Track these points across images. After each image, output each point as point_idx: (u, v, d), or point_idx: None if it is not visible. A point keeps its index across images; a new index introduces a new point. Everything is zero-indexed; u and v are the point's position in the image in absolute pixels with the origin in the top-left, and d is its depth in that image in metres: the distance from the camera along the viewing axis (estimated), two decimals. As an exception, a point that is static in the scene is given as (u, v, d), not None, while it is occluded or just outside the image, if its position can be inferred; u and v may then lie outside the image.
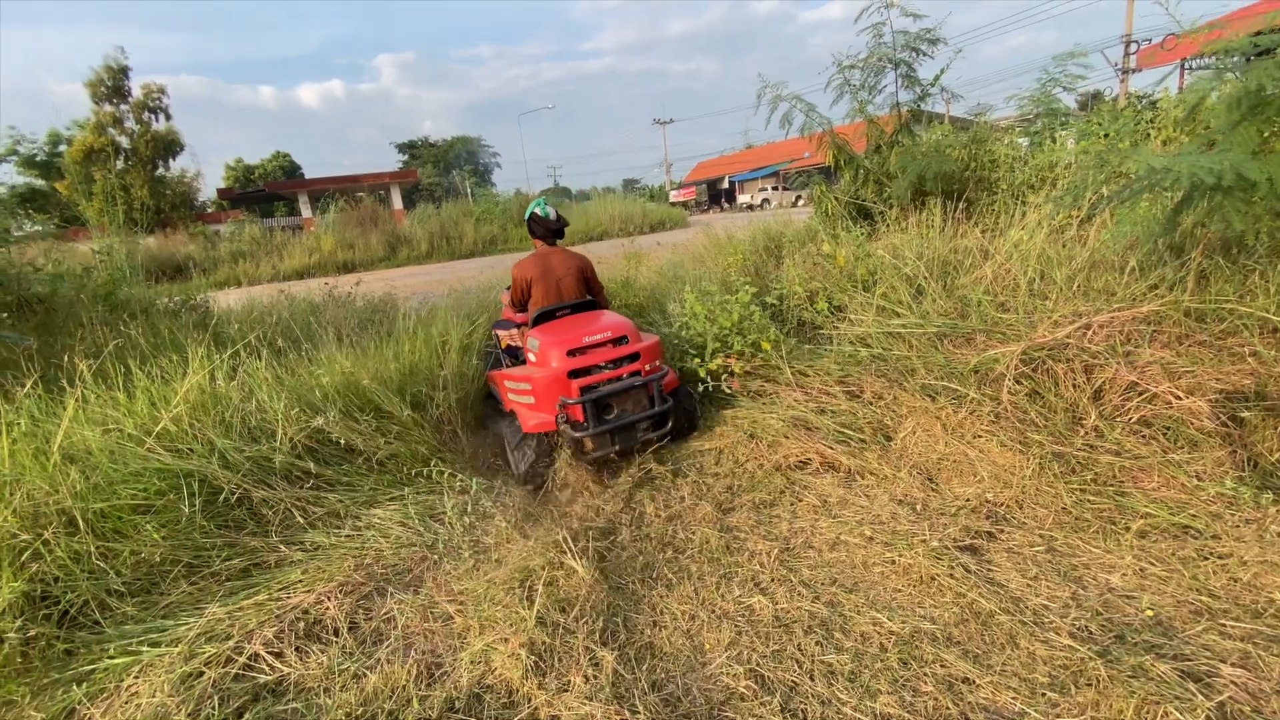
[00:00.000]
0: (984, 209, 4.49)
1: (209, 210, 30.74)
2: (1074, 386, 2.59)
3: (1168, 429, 2.47)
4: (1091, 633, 1.81)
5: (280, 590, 2.26)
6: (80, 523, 2.19)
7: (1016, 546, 2.25)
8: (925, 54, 4.98)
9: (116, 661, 1.96)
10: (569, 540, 2.37)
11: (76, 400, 2.48)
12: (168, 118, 24.84)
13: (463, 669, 1.91)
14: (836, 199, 5.60)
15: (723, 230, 6.87)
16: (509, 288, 3.59)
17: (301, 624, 2.13)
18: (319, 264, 16.86)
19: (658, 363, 3.12)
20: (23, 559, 2.04)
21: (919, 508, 2.50)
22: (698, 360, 3.39)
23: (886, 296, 3.47)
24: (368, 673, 1.93)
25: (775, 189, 35.90)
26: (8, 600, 1.93)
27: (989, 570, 2.14)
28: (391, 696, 1.83)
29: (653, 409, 2.97)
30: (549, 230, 3.44)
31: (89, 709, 1.82)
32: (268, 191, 32.25)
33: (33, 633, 1.98)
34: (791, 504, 2.68)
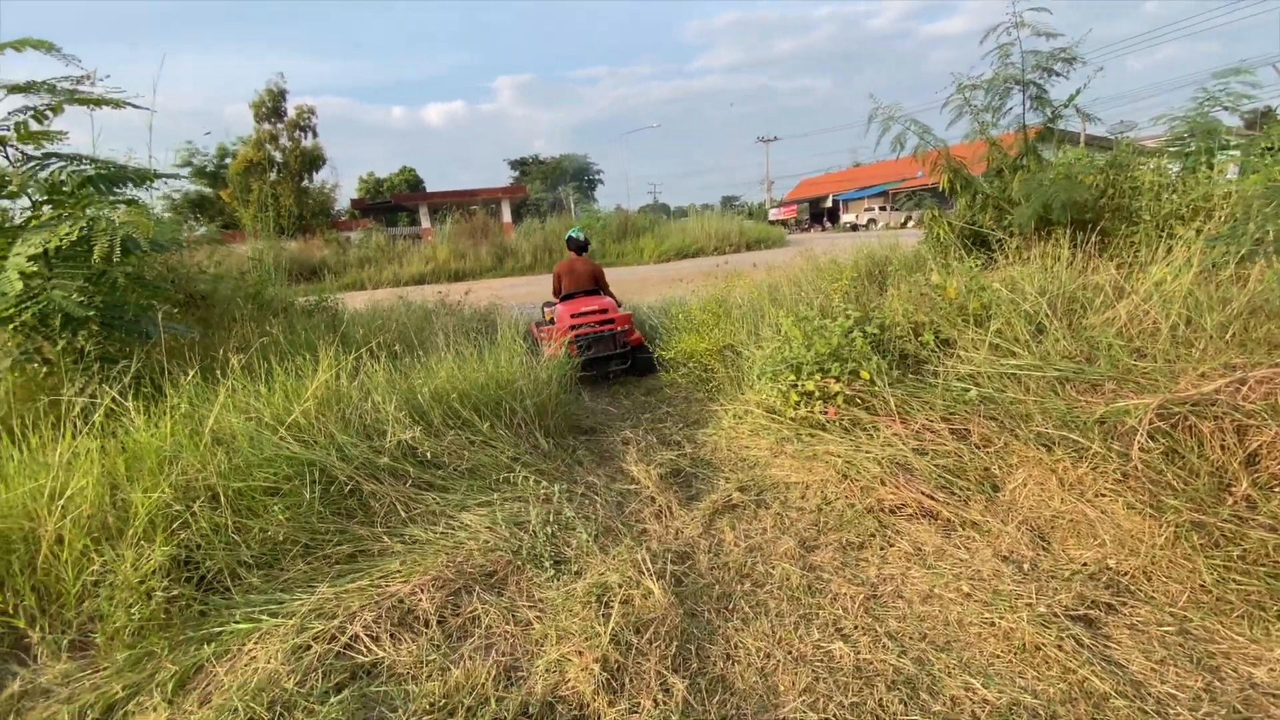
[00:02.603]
0: (1121, 242, 4.08)
1: (343, 219, 33.98)
2: (1222, 448, 2.28)
3: (1346, 507, 2.12)
4: (1233, 736, 1.58)
5: (380, 578, 2.44)
6: (222, 498, 2.49)
7: (1141, 623, 2.01)
8: (1059, 74, 4.63)
9: (241, 626, 2.19)
10: (647, 561, 2.39)
11: (226, 390, 2.83)
12: (314, 135, 27.82)
13: (538, 676, 1.97)
14: (950, 225, 5.30)
15: (823, 252, 6.69)
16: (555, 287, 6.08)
17: (397, 612, 2.28)
18: (433, 271, 18.14)
19: (626, 328, 5.26)
20: (173, 526, 2.34)
21: (1026, 567, 2.30)
22: (792, 376, 3.30)
23: (1001, 334, 3.24)
24: (451, 667, 2.03)
25: (882, 209, 34.52)
26: (158, 562, 2.21)
27: (1105, 646, 1.92)
28: (471, 693, 1.92)
29: (614, 351, 5.09)
30: (577, 247, 6.16)
31: (215, 667, 2.05)
32: (393, 203, 35.13)
33: (176, 593, 2.27)
34: (882, 548, 2.54)
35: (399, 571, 2.47)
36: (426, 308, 7.16)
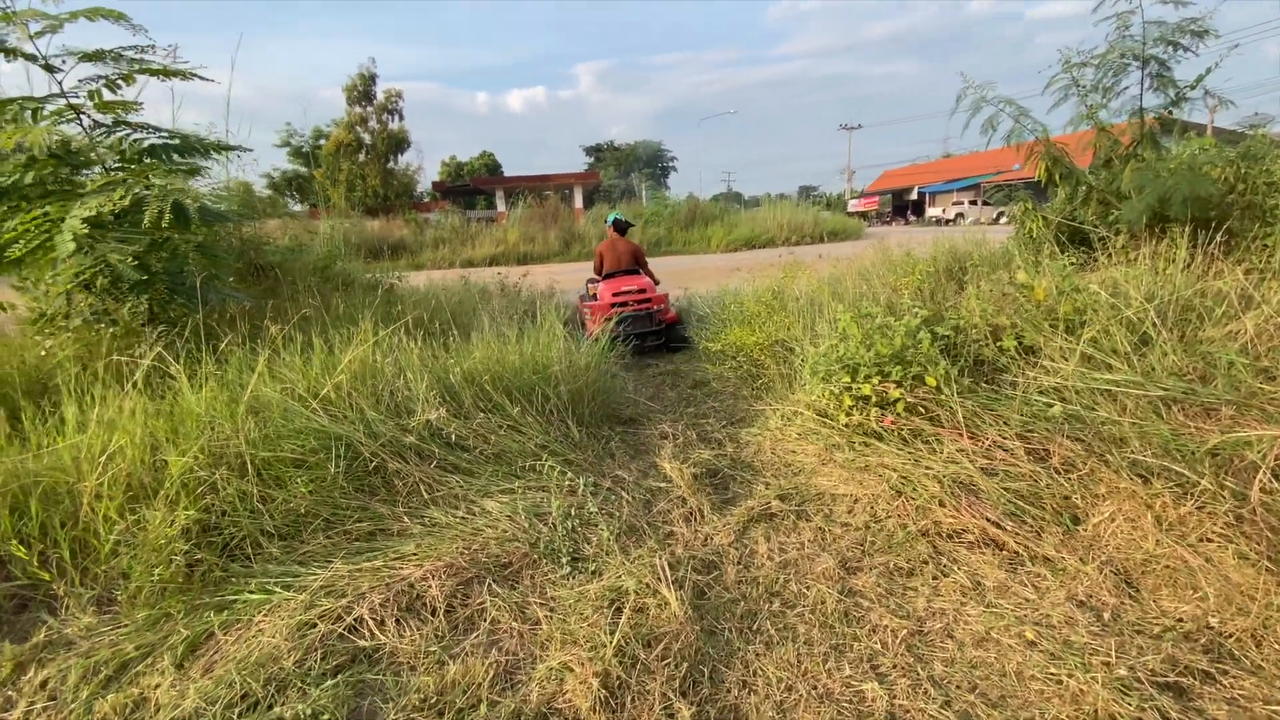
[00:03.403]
0: (1252, 244, 3.51)
1: (424, 200, 35.34)
2: (1379, 498, 1.86)
3: None
4: None
5: (395, 559, 2.39)
6: (250, 467, 2.50)
7: (1244, 697, 1.66)
8: (1186, 49, 4.03)
9: (254, 597, 2.18)
10: (665, 568, 2.22)
11: (265, 360, 2.86)
12: (400, 118, 28.97)
13: (536, 683, 1.84)
14: (1045, 219, 4.77)
15: (898, 245, 6.23)
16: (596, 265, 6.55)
17: (405, 598, 2.22)
18: (503, 254, 18.50)
19: (662, 307, 5.79)
20: (199, 491, 2.36)
21: (1107, 617, 1.96)
22: (846, 379, 3.01)
23: (1097, 343, 2.82)
24: (450, 661, 1.94)
25: (973, 203, 32.43)
26: (182, 525, 2.24)
27: (1204, 727, 1.59)
28: (465, 693, 1.82)
29: (651, 328, 5.64)
30: (618, 228, 6.57)
31: (223, 636, 2.05)
32: (471, 186, 36.17)
33: (199, 558, 2.29)
34: (934, 578, 2.26)
35: (414, 554, 2.41)
36: (485, 289, 7.23)
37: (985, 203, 29.62)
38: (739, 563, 2.45)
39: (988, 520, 2.40)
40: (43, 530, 2.35)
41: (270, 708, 1.76)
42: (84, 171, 3.09)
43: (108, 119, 3.16)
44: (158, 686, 1.88)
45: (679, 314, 6.21)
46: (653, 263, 7.13)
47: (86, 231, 2.64)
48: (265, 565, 2.36)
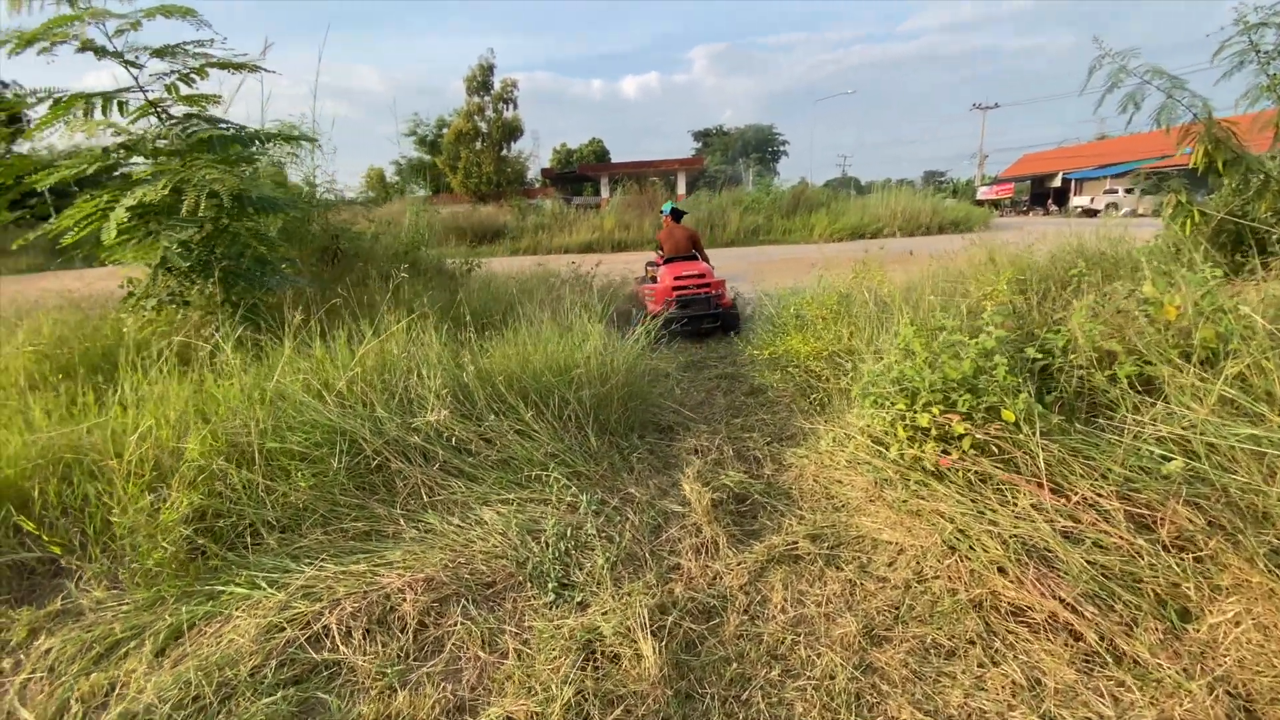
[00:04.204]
0: None
1: (534, 187, 36.48)
2: None
3: None
4: None
5: (380, 564, 2.31)
6: (256, 457, 2.52)
7: None
8: None
9: (239, 590, 2.18)
10: (645, 614, 1.95)
11: (290, 349, 2.89)
12: (514, 107, 29.95)
13: (477, 731, 1.66)
14: (1202, 214, 3.89)
15: (1018, 239, 5.34)
16: (656, 249, 7.24)
17: (379, 609, 2.12)
18: (598, 240, 18.63)
19: (720, 291, 6.14)
20: (198, 478, 2.40)
21: (1214, 764, 1.46)
22: (902, 405, 2.55)
23: (1244, 383, 2.18)
24: (400, 690, 1.81)
25: (1128, 191, 28.42)
26: (186, 510, 2.28)
27: None
28: (404, 730, 1.68)
29: (709, 310, 5.97)
30: (674, 217, 7.09)
31: (200, 628, 2.06)
32: (578, 173, 36.83)
33: (200, 544, 2.33)
34: (980, 665, 1.82)
35: (399, 562, 2.32)
36: (560, 277, 7.19)
37: (1143, 192, 25.83)
38: (745, 612, 2.14)
39: (1061, 600, 1.91)
40: (84, 502, 2.50)
41: (212, 717, 1.71)
42: (136, 162, 3.31)
43: (178, 112, 3.36)
44: (133, 672, 1.91)
45: (733, 300, 6.68)
46: (742, 251, 7.82)
47: (128, 220, 2.81)
48: (260, 558, 2.36)
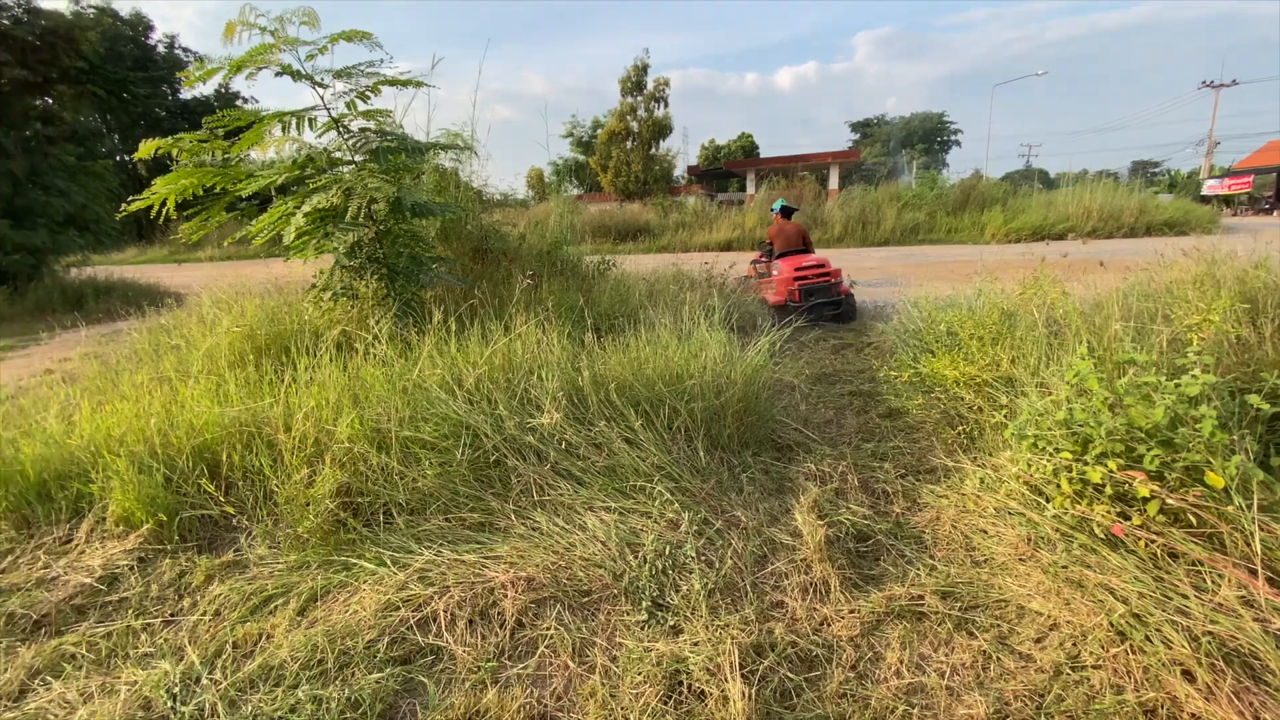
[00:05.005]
0: None
1: (680, 184, 36.81)
2: None
3: None
4: None
5: (488, 557, 2.42)
6: (393, 443, 2.75)
7: None
8: None
9: (366, 566, 2.40)
10: (736, 654, 1.83)
11: (433, 344, 3.13)
12: (665, 105, 30.36)
13: (554, 747, 1.66)
14: None
15: (1251, 248, 4.26)
16: (763, 246, 7.56)
17: (483, 602, 2.22)
18: (739, 238, 18.28)
19: (839, 280, 6.54)
20: (349, 457, 2.67)
21: None
22: (1069, 453, 2.16)
23: None
24: (489, 687, 1.87)
25: None
26: (329, 487, 2.55)
27: None
28: (488, 731, 1.73)
29: (830, 298, 6.38)
30: (785, 214, 7.49)
31: (334, 595, 2.28)
32: (725, 169, 36.49)
33: (343, 517, 2.60)
34: (1147, 791, 1.47)
35: (505, 557, 2.41)
36: (692, 277, 7.14)
37: None
38: (852, 668, 1.93)
39: (1279, 731, 1.49)
40: (258, 468, 2.90)
41: (327, 683, 1.89)
42: (321, 171, 3.78)
43: (355, 126, 3.79)
44: (277, 627, 2.17)
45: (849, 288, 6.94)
46: (899, 251, 7.53)
47: (305, 225, 3.22)
48: (389, 535, 2.58)
